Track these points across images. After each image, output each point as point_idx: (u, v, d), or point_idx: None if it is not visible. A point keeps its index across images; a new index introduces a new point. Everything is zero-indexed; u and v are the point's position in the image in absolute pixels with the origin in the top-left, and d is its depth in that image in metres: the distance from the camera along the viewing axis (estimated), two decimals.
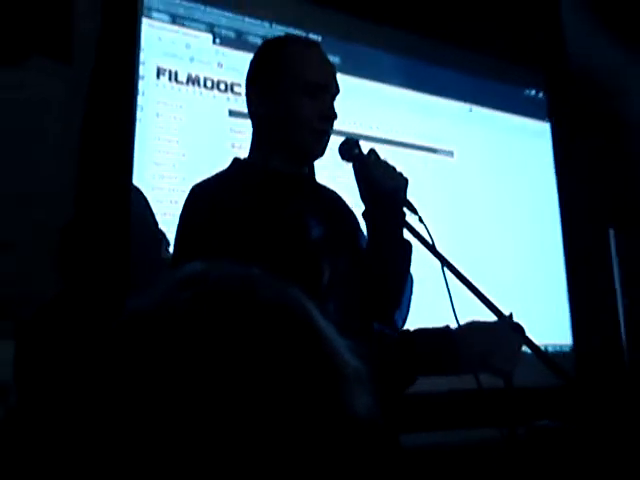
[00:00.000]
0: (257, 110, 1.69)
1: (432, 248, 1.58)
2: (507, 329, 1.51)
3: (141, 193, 2.41)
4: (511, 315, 1.55)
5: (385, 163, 1.65)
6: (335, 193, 1.82)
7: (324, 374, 0.53)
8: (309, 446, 0.49)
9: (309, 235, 1.62)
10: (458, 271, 1.56)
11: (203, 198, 1.60)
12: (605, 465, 2.63)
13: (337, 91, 1.69)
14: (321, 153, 1.67)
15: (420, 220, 1.60)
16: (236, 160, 1.73)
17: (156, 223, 2.36)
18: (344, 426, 0.52)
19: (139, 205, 2.36)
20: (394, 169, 1.64)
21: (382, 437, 0.55)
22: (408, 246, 1.68)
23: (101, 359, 0.54)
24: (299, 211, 1.64)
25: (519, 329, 1.52)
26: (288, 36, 1.89)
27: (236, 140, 2.81)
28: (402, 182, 1.63)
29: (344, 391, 0.53)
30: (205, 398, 0.49)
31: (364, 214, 1.70)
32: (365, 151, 1.68)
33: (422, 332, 1.62)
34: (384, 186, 1.61)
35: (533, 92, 3.93)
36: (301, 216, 1.63)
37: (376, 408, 0.55)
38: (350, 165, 1.69)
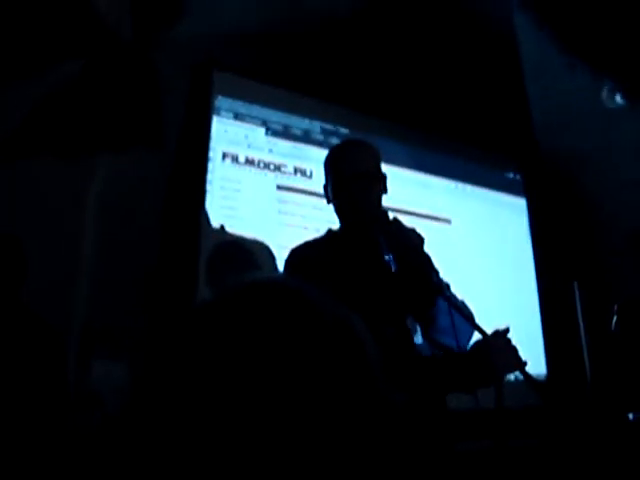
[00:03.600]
0: (330, 197, 1.75)
1: (441, 290, 1.61)
2: (501, 340, 1.51)
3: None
4: (507, 329, 1.55)
5: (404, 226, 1.66)
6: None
7: (357, 356, 0.50)
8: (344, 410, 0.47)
9: (372, 280, 1.63)
10: (457, 306, 1.60)
11: (302, 255, 1.67)
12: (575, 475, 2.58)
13: (377, 172, 1.72)
14: (369, 218, 1.67)
15: (433, 269, 1.64)
16: (329, 230, 1.78)
17: None
18: (372, 396, 0.50)
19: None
20: (413, 230, 1.67)
21: (404, 418, 0.52)
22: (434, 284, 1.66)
23: (174, 339, 0.52)
24: (364, 263, 1.66)
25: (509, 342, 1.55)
26: (341, 143, 1.92)
27: (282, 207, 2.88)
28: (419, 240, 1.66)
29: (372, 369, 0.51)
30: (249, 374, 0.46)
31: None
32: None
33: (442, 358, 1.66)
34: (404, 243, 1.64)
35: (512, 175, 3.96)
36: (366, 267, 1.66)
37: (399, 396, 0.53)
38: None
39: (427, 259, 1.66)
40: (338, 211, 1.74)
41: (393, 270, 1.67)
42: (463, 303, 1.73)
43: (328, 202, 1.77)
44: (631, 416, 1.68)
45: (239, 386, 0.46)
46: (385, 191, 1.75)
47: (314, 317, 0.50)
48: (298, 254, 1.69)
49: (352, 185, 1.67)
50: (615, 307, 1.81)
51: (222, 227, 2.64)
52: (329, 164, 1.77)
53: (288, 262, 1.68)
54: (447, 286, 1.70)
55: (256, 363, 0.47)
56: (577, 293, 3.33)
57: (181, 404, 0.47)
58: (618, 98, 3.41)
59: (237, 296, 0.52)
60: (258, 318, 0.49)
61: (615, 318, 1.80)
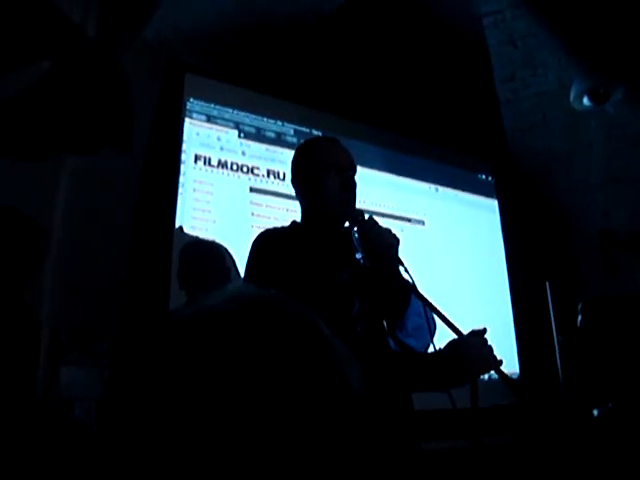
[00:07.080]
0: (301, 190, 1.72)
1: (415, 290, 1.58)
2: (478, 339, 1.48)
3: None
4: (485, 330, 1.52)
5: (380, 227, 1.62)
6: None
7: (325, 355, 0.54)
8: (313, 404, 0.50)
9: (340, 278, 1.58)
10: (434, 306, 1.55)
11: (267, 243, 1.61)
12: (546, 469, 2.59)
13: (354, 170, 1.71)
14: (348, 215, 1.65)
15: (406, 270, 1.57)
16: (293, 222, 1.73)
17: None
18: (340, 392, 0.52)
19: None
20: (389, 231, 1.62)
21: (369, 406, 0.54)
22: (407, 285, 1.60)
23: (155, 353, 0.53)
24: (333, 260, 1.61)
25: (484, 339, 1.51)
26: (317, 137, 1.87)
27: (255, 210, 2.85)
28: (394, 241, 1.61)
29: (339, 366, 0.54)
30: (237, 372, 0.49)
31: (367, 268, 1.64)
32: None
33: (418, 356, 1.64)
34: (379, 244, 1.60)
35: (483, 176, 3.97)
36: (334, 264, 1.60)
37: (364, 383, 0.54)
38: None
39: (400, 260, 1.62)
40: (313, 203, 1.68)
41: (363, 267, 1.64)
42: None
43: (299, 194, 1.73)
44: (596, 412, 1.68)
45: (224, 394, 0.48)
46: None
47: (290, 328, 0.54)
48: (269, 243, 1.60)
49: (339, 177, 1.64)
50: (579, 306, 1.81)
51: (180, 228, 2.60)
52: (308, 155, 1.72)
53: (259, 252, 1.59)
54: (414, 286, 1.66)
55: (234, 373, 0.49)
56: (549, 293, 3.35)
57: (165, 415, 0.48)
58: (585, 100, 3.46)
59: (217, 310, 0.54)
60: (240, 332, 0.52)
61: (580, 317, 1.80)
